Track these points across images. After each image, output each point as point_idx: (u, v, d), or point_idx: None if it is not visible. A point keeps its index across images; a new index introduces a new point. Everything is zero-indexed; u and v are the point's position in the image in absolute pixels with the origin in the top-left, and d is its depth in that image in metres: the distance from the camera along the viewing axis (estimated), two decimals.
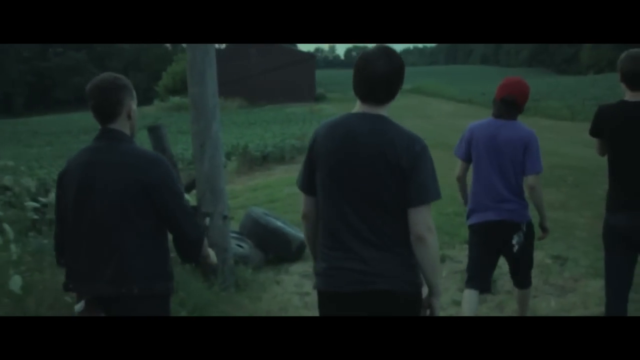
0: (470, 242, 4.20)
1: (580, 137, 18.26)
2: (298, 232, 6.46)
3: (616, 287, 3.71)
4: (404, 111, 34.51)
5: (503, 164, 3.98)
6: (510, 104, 4.01)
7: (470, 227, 3.98)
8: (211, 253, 2.94)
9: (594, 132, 3.76)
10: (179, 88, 50.73)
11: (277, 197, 9.92)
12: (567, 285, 5.56)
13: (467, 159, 4.17)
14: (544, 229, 4.28)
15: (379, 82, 2.54)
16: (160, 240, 2.73)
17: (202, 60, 5.51)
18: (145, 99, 53.60)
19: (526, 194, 4.07)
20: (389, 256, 2.53)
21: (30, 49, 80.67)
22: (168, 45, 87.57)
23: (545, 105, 27.45)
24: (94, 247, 2.63)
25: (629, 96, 3.60)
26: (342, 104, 45.02)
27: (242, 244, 6.22)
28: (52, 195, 5.38)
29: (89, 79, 2.90)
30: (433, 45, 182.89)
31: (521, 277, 4.27)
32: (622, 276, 3.70)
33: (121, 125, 2.69)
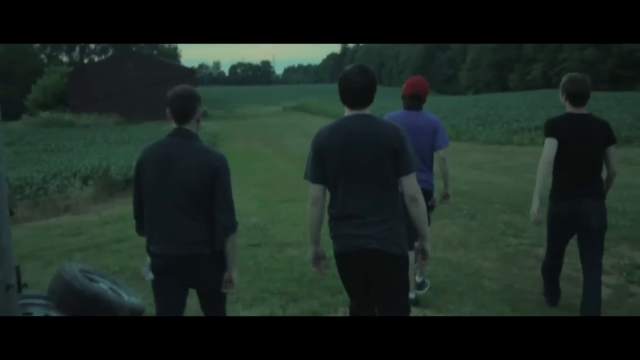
0: None
1: (467, 158, 17.62)
2: (130, 295, 4.85)
3: (554, 264, 5.07)
4: (287, 130, 33.40)
5: (421, 145, 4.93)
6: (416, 98, 5.10)
7: None
8: (233, 275, 3.62)
9: (551, 134, 4.53)
10: (50, 102, 47.24)
11: (127, 234, 8.17)
12: None
13: None
14: (446, 195, 5.46)
15: (359, 92, 3.39)
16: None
17: None
18: (18, 114, 49.39)
19: (438, 164, 5.18)
20: (385, 222, 3.35)
21: None
22: (43, 56, 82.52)
23: None
24: (171, 219, 3.46)
25: (572, 110, 4.54)
26: (225, 121, 43.50)
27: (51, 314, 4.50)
28: None
29: None
30: (318, 63, 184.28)
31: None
32: (560, 255, 5.03)
33: (191, 126, 3.52)
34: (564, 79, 4.61)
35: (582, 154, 4.48)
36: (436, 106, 38.58)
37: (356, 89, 3.36)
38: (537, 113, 28.23)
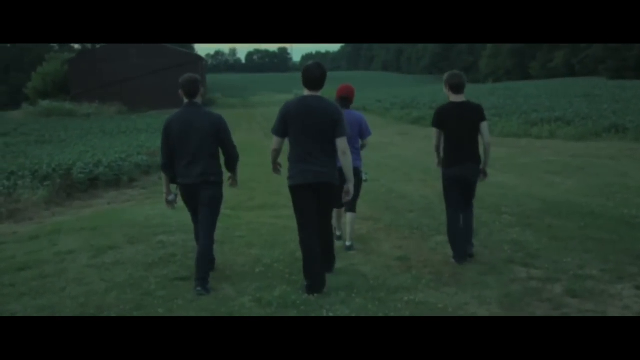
0: None
1: None
2: None
3: (454, 210, 6.23)
4: None
5: (352, 134, 6.30)
6: (345, 99, 6.63)
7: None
8: (236, 179, 5.86)
9: (437, 125, 6.18)
10: (51, 91, 45.91)
11: (38, 258, 6.53)
12: None
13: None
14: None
15: (317, 81, 5.21)
16: (220, 156, 5.56)
17: None
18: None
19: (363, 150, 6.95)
20: (328, 165, 5.22)
21: None
22: (55, 45, 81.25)
23: None
24: (189, 159, 5.34)
25: (454, 98, 6.09)
26: (233, 110, 42.08)
27: None
28: None
29: None
30: (336, 50, 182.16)
31: (351, 204, 6.55)
32: (457, 203, 6.23)
33: (198, 99, 5.46)
34: (445, 75, 6.25)
35: (463, 131, 6.06)
36: None
37: (315, 78, 5.20)
38: (558, 103, 26.27)
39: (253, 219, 8.42)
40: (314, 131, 5.11)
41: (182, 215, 8.57)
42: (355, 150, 6.49)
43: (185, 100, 5.41)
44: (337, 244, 6.52)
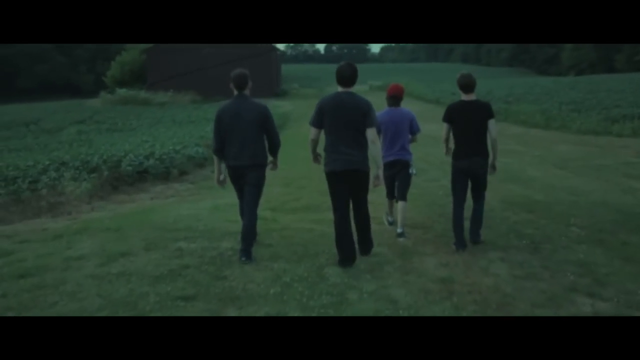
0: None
1: (552, 152, 14.56)
2: None
3: (459, 200, 6.66)
4: None
5: (401, 130, 7.05)
6: (395, 99, 7.16)
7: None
8: (277, 162, 6.69)
9: (447, 120, 6.65)
10: (128, 79, 46.58)
11: (46, 264, 6.00)
12: None
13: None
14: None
15: (347, 78, 5.83)
16: (264, 141, 6.30)
17: None
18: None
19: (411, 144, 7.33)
20: (359, 153, 5.81)
21: None
22: None
23: (516, 109, 23.74)
24: (239, 144, 6.09)
25: (464, 97, 6.60)
26: (304, 100, 41.57)
27: None
28: None
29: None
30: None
31: (401, 194, 7.10)
32: (462, 194, 6.67)
33: (246, 91, 6.15)
34: (458, 75, 6.71)
35: (471, 128, 6.53)
36: (528, 88, 34.75)
37: (346, 76, 5.84)
38: None
39: (290, 223, 7.72)
40: (345, 123, 5.77)
41: (212, 217, 8.01)
42: (406, 145, 7.11)
43: (235, 92, 6.15)
44: (389, 228, 7.40)
